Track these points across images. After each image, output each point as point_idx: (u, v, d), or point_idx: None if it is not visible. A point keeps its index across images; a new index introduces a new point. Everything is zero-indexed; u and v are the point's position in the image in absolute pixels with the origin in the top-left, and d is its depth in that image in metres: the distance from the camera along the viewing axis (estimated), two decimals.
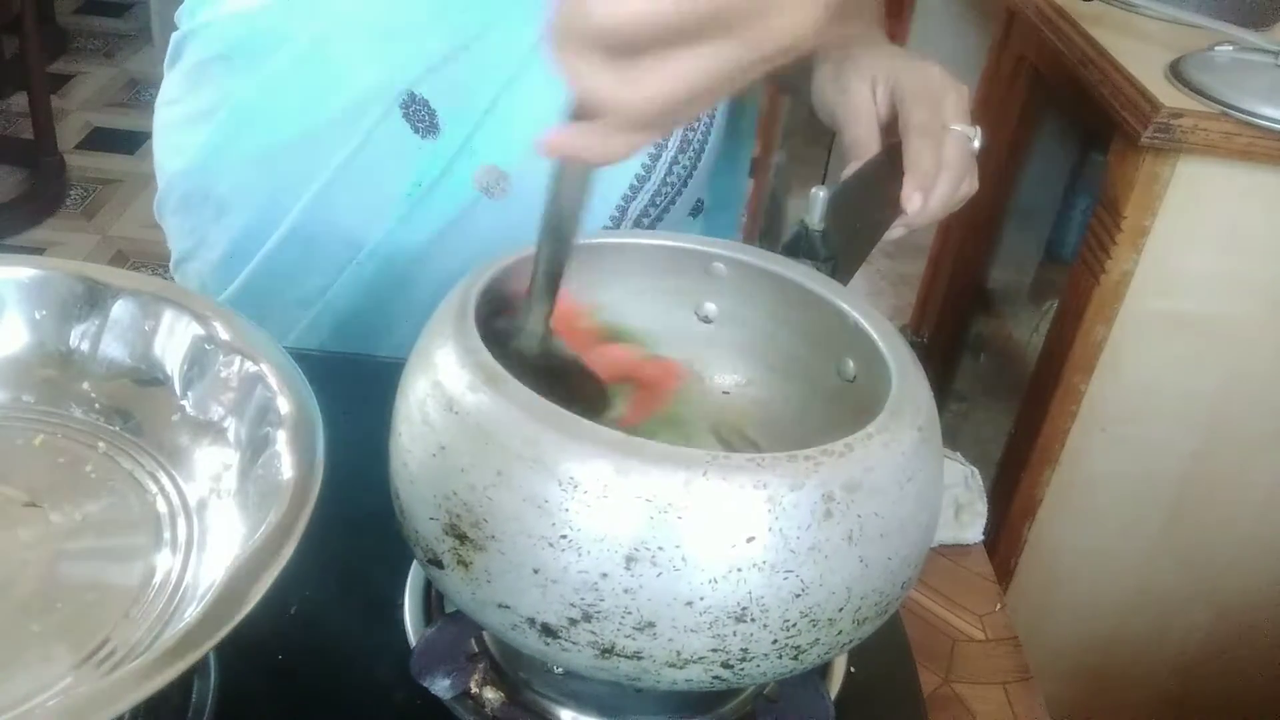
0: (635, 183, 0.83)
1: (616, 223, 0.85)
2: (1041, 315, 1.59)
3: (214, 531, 0.53)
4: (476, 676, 0.56)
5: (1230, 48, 1.22)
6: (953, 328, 1.83)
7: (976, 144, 0.74)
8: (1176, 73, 1.18)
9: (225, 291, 0.87)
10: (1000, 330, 1.77)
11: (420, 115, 0.78)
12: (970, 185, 0.73)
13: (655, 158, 0.83)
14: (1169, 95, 1.14)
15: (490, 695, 0.56)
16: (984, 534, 0.77)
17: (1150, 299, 1.22)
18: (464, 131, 0.79)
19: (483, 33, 0.78)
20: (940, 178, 0.70)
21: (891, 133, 0.74)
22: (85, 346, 0.60)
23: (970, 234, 1.73)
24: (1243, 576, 1.38)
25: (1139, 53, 1.23)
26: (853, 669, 0.62)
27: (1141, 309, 1.22)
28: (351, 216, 0.82)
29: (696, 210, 0.95)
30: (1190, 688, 1.47)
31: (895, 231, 0.73)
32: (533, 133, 0.78)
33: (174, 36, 0.88)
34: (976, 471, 0.80)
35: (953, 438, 0.68)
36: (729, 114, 0.93)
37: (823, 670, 0.61)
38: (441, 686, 0.56)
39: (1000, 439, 1.46)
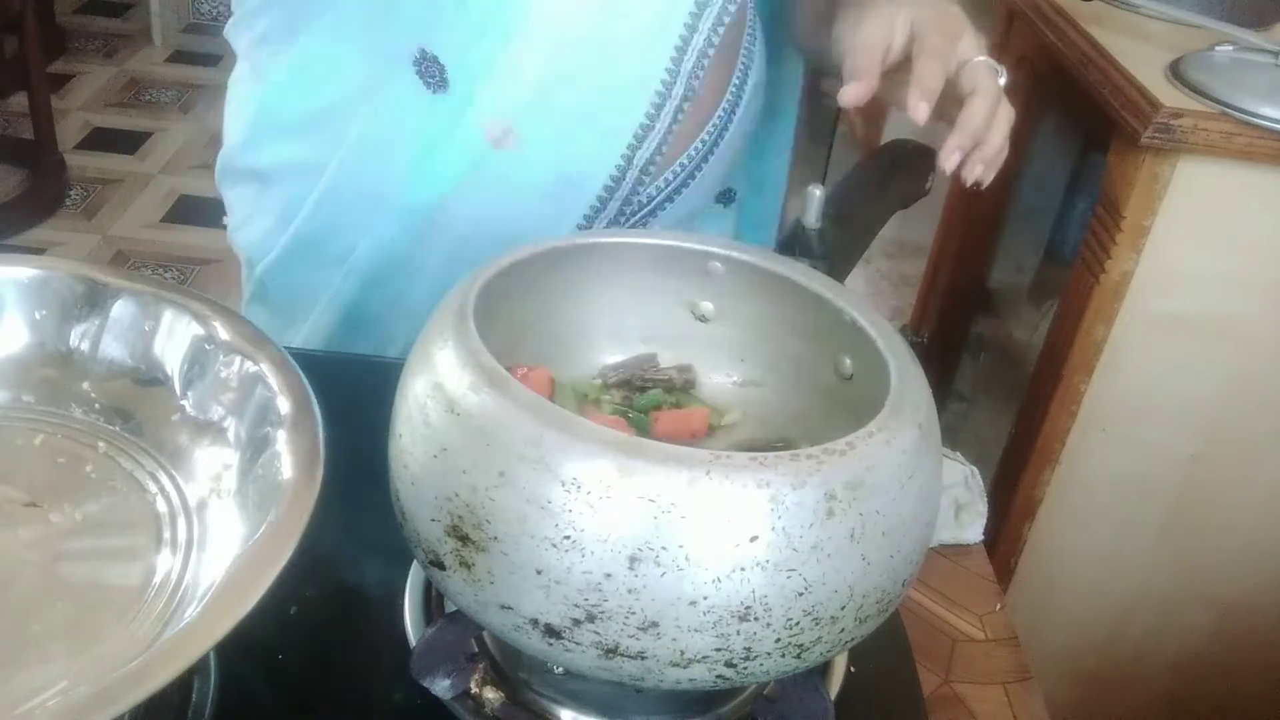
0: (640, 131, 0.82)
1: (622, 171, 0.83)
2: (1041, 315, 1.59)
3: (214, 531, 0.53)
4: (476, 676, 0.56)
5: (1230, 48, 1.22)
6: (953, 328, 1.83)
7: (1003, 80, 0.73)
8: (1176, 73, 1.18)
9: (268, 257, 0.91)
10: (1000, 330, 1.77)
11: (431, 71, 0.81)
12: (1009, 110, 0.73)
13: (659, 107, 0.82)
14: (1169, 95, 1.14)
15: (490, 695, 0.56)
16: (984, 534, 0.77)
17: (1150, 299, 1.21)
18: (470, 86, 0.81)
19: None
20: (975, 98, 0.70)
21: (900, 70, 0.73)
22: (85, 346, 0.60)
23: (970, 234, 1.73)
24: (1242, 577, 1.37)
25: (1139, 53, 1.23)
26: (853, 669, 0.62)
27: (1141, 309, 1.22)
28: (375, 176, 0.85)
29: (727, 198, 0.93)
30: (1190, 688, 1.46)
31: (949, 160, 0.69)
32: (536, 87, 0.80)
33: (229, 23, 0.92)
34: (976, 471, 0.80)
35: (953, 438, 0.68)
36: (766, 90, 0.90)
37: (823, 670, 0.61)
38: (441, 686, 0.56)
39: (1000, 439, 1.45)
